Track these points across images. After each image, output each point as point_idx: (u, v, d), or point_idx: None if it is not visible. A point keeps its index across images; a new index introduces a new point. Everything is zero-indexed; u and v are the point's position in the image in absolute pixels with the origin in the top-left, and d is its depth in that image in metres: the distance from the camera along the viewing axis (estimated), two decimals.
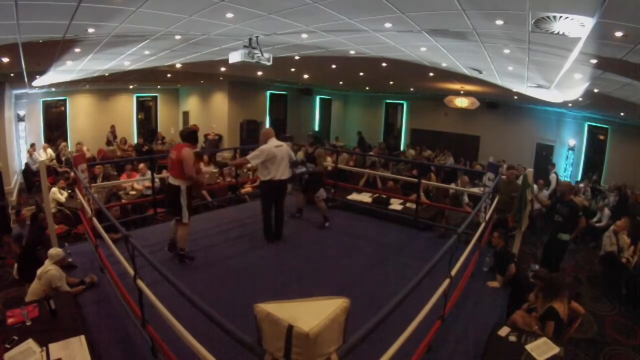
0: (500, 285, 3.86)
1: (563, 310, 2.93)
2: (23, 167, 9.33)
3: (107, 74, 8.48)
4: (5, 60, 5.90)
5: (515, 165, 7.60)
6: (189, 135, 3.98)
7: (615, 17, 2.94)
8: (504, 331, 2.77)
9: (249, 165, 4.43)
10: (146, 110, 13.83)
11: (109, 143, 11.48)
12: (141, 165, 7.31)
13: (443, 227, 5.22)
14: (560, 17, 3.20)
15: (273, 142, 4.40)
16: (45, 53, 5.62)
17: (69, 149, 10.11)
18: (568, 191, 4.76)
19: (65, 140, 10.89)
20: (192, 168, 3.76)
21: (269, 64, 5.28)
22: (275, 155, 4.29)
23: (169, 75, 10.13)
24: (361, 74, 9.87)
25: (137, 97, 13.29)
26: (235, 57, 5.05)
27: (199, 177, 3.94)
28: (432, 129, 14.46)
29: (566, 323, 2.98)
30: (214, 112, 13.08)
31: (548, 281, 3.09)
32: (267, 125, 13.86)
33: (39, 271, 3.20)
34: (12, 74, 7.41)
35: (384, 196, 6.31)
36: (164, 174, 7.67)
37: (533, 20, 3.43)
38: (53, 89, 10.48)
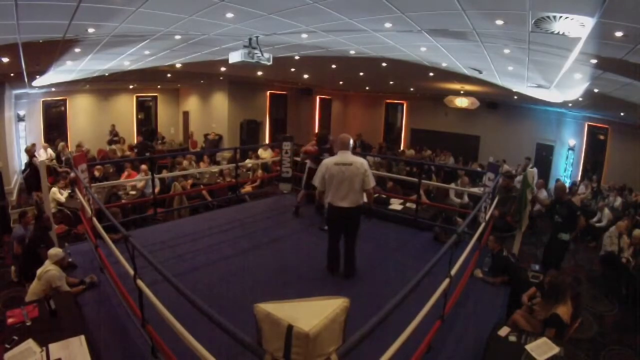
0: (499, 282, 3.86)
1: (566, 312, 2.89)
2: (23, 167, 9.33)
3: (107, 74, 8.49)
4: (5, 60, 5.90)
5: (512, 171, 7.63)
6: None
7: (615, 17, 2.94)
8: (504, 331, 2.77)
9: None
10: (146, 110, 13.83)
11: (110, 142, 11.46)
12: (143, 166, 7.32)
13: (438, 226, 5.16)
14: (560, 17, 3.21)
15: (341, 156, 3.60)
16: (45, 53, 5.62)
17: (69, 149, 10.10)
18: (563, 193, 4.76)
19: (65, 140, 10.88)
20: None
21: (269, 64, 5.28)
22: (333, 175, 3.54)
23: (169, 75, 10.14)
24: (361, 74, 9.87)
25: (137, 97, 13.30)
26: (235, 57, 5.04)
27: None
28: (432, 129, 14.46)
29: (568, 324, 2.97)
30: (214, 112, 13.08)
31: (553, 285, 3.06)
32: (268, 124, 13.85)
33: (39, 271, 3.20)
34: (12, 74, 7.41)
35: (384, 196, 6.31)
36: (164, 173, 7.77)
37: (533, 20, 3.43)
38: (53, 89, 10.48)
